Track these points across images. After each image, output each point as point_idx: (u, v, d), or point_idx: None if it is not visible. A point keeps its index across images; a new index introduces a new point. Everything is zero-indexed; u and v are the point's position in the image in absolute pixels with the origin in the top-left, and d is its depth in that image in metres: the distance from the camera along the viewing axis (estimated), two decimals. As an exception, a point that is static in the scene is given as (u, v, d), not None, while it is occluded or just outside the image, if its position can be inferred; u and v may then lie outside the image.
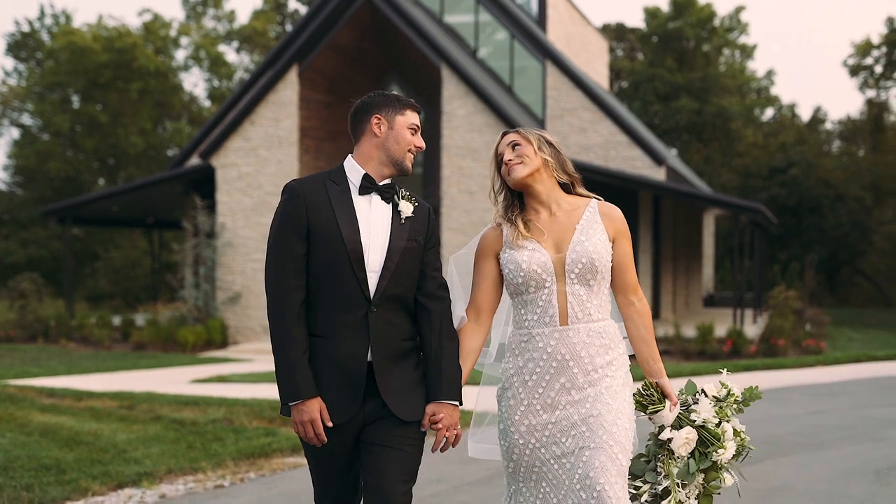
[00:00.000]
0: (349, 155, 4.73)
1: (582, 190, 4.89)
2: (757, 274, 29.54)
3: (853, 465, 9.18)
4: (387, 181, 4.67)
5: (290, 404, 4.45)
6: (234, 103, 28.12)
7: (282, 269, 4.48)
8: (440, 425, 4.57)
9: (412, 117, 4.69)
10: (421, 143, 4.71)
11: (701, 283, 37.24)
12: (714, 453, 4.65)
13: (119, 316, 28.00)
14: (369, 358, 4.49)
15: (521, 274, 4.67)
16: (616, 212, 4.83)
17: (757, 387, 4.91)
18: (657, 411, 4.71)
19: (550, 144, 4.85)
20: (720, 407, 4.78)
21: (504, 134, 4.92)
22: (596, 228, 4.73)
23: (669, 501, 4.63)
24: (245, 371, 18.77)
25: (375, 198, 4.61)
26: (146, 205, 29.72)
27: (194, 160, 27.71)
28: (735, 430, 4.76)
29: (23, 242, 42.53)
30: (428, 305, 4.67)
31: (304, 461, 9.84)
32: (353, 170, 4.65)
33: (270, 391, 14.89)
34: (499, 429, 4.85)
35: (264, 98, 24.87)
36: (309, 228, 4.50)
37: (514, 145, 4.84)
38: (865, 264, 45.65)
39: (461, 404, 4.65)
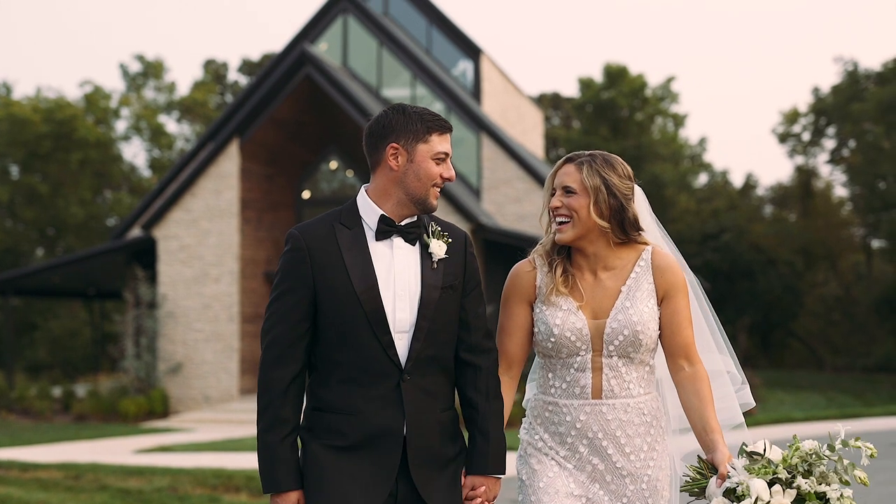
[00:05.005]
0: (362, 187, 3.94)
1: (639, 237, 4.10)
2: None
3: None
4: (410, 219, 3.88)
5: (268, 495, 3.81)
6: (176, 175, 28.47)
7: (277, 335, 3.78)
8: (479, 500, 3.91)
9: (439, 143, 3.85)
10: (450, 172, 3.89)
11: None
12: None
13: (59, 387, 28.05)
14: (404, 433, 3.77)
15: (552, 339, 3.98)
16: (670, 262, 4.08)
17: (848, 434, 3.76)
18: (703, 487, 3.85)
19: (615, 195, 3.99)
20: (763, 467, 3.67)
21: (566, 160, 4.08)
22: (644, 290, 4.01)
23: None
24: (187, 440, 18.99)
25: (398, 240, 3.84)
26: (87, 275, 29.84)
27: (136, 231, 27.96)
28: (807, 493, 3.65)
29: (-40, 314, 42.34)
30: (473, 362, 3.92)
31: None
32: (368, 209, 3.86)
33: (213, 460, 15.19)
34: (518, 501, 4.15)
35: (205, 170, 25.25)
36: (315, 287, 3.77)
37: (566, 190, 4.03)
38: (798, 326, 46.57)
39: (504, 474, 3.97)
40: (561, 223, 4.03)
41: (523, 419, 4.24)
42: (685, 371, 4.02)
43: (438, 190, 3.87)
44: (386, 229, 3.82)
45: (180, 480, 12.78)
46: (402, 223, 3.85)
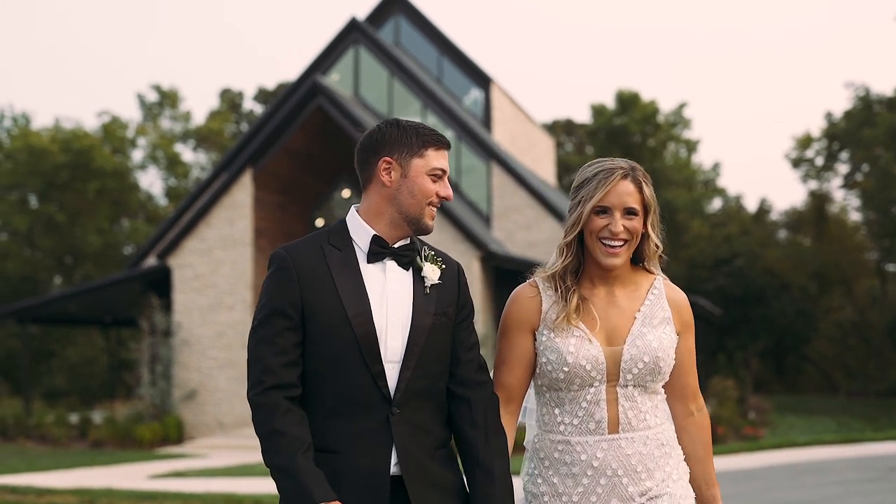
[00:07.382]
0: (352, 207, 3.64)
1: (650, 264, 3.81)
2: (700, 364, 30.33)
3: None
4: (403, 241, 3.57)
5: None
6: (191, 204, 28.80)
7: (266, 363, 3.40)
8: None
9: (435, 159, 3.54)
10: (447, 191, 3.57)
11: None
12: None
13: (76, 413, 28.34)
14: (394, 472, 3.43)
15: (565, 369, 3.62)
16: (684, 297, 3.83)
17: None
18: None
19: (656, 212, 3.74)
20: None
21: (622, 176, 3.65)
22: (659, 317, 3.73)
23: None
24: (201, 466, 19.20)
25: (390, 264, 3.53)
26: (104, 304, 30.18)
27: (151, 259, 28.30)
28: None
29: (-21, 341, 42.74)
30: (465, 395, 3.58)
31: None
32: (360, 229, 3.55)
33: (225, 485, 15.42)
34: None
35: (219, 200, 25.57)
36: (304, 311, 3.43)
37: (630, 212, 3.66)
38: (812, 351, 46.53)
39: None
40: (617, 247, 3.66)
41: (525, 462, 3.88)
42: (694, 416, 3.85)
43: (434, 210, 3.56)
44: (378, 251, 3.51)
45: (192, 506, 13.03)
46: (396, 245, 3.55)
